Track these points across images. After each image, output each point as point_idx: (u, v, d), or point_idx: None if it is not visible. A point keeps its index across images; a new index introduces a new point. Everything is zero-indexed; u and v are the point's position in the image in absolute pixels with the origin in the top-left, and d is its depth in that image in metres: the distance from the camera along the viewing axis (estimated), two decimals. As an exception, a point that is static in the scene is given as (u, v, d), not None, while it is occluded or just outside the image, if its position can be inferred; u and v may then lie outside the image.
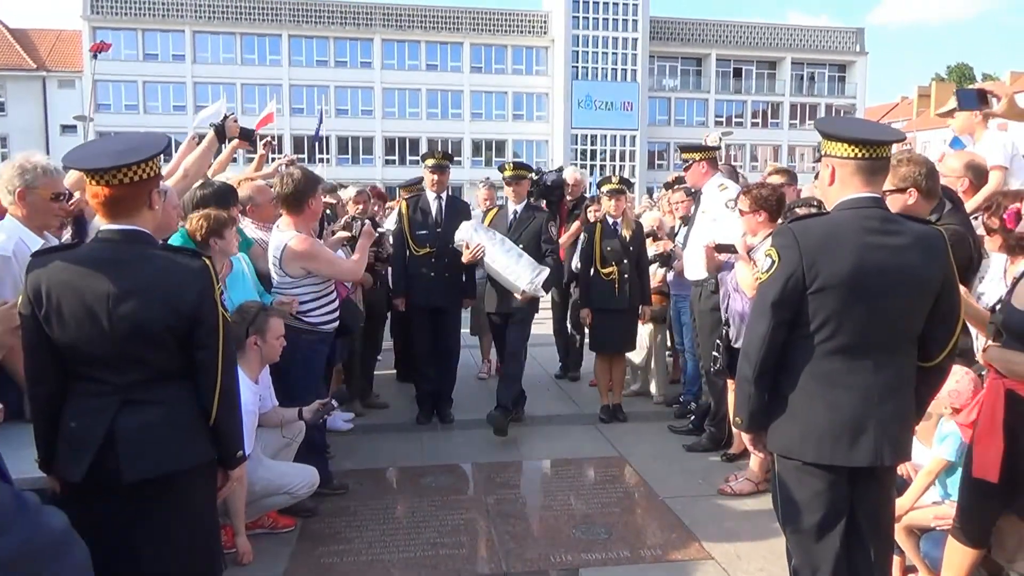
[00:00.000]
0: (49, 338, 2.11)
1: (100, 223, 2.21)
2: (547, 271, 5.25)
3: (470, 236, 5.29)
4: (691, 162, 5.17)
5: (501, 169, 5.90)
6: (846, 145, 2.38)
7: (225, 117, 4.38)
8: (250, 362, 3.55)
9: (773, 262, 2.41)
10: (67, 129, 38.17)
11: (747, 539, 3.76)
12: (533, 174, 5.67)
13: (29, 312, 2.12)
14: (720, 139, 6.59)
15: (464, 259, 5.32)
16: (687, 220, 5.58)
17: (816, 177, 5.61)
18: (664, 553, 3.61)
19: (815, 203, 4.00)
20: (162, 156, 2.25)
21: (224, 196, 4.01)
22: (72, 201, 3.47)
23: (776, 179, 5.21)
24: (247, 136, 4.49)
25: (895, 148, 2.63)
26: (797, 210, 4.09)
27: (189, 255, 2.26)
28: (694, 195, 5.65)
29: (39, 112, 41.56)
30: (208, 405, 2.19)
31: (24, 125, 38.89)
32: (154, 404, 2.14)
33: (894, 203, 3.01)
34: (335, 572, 3.44)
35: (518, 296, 5.27)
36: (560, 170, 7.07)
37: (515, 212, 5.63)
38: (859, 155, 2.36)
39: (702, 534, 3.79)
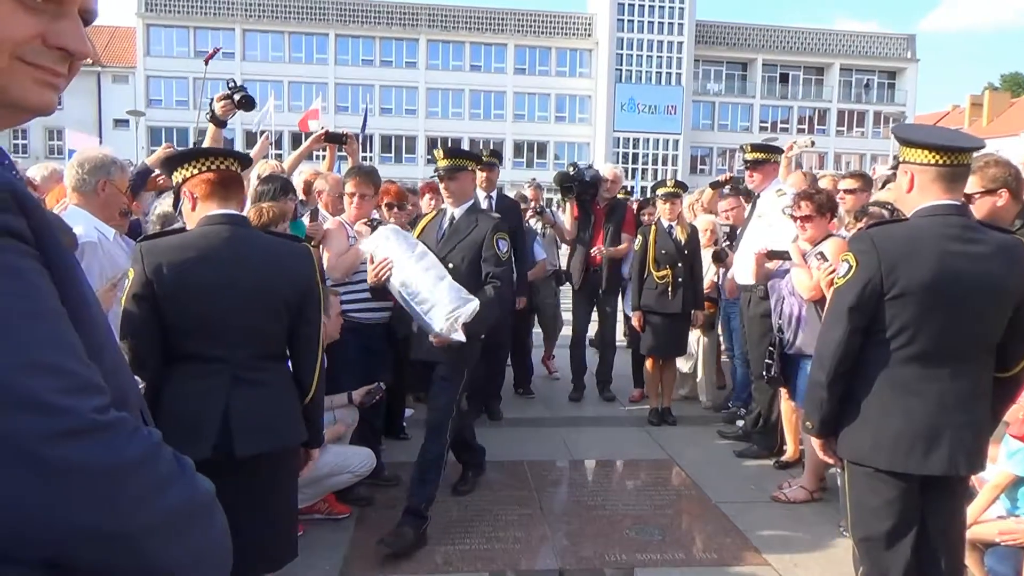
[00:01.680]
0: (159, 320, 2.21)
1: (203, 209, 2.35)
2: (475, 304, 3.50)
3: (376, 247, 3.71)
4: (765, 163, 5.11)
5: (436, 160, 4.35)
6: (927, 152, 2.36)
7: (212, 101, 4.09)
8: None
9: (850, 267, 2.41)
10: (119, 123, 39.19)
11: (804, 547, 3.73)
12: (475, 164, 4.08)
13: (147, 292, 2.21)
14: (811, 144, 6.22)
15: (368, 279, 3.78)
16: (733, 229, 5.53)
17: (883, 185, 5.50)
18: (720, 557, 3.60)
19: (888, 206, 3.94)
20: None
21: (282, 189, 4.14)
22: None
23: (849, 183, 5.12)
24: (247, 105, 4.11)
25: (975, 155, 2.60)
26: (870, 209, 4.04)
27: (291, 239, 2.45)
28: (745, 196, 5.59)
29: (93, 106, 42.73)
30: (308, 382, 2.33)
31: (79, 118, 39.94)
32: (261, 383, 2.27)
33: (983, 206, 2.98)
34: (394, 560, 3.50)
35: (431, 338, 3.64)
36: (590, 167, 6.63)
37: (452, 218, 4.00)
38: (940, 162, 2.35)
39: (757, 540, 3.77)
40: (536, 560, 3.56)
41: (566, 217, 6.37)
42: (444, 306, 3.50)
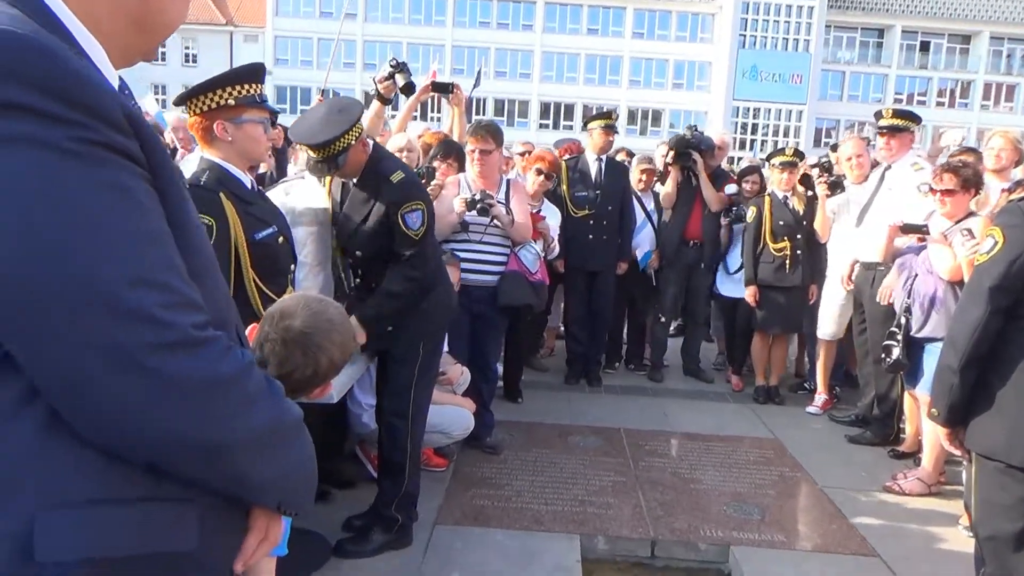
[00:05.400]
0: None
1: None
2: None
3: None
4: (903, 131, 4.73)
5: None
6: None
7: (375, 80, 4.10)
8: None
9: (996, 242, 2.19)
10: (249, 81, 41.05)
11: (917, 541, 3.51)
12: (354, 133, 2.85)
13: None
14: (961, 140, 5.53)
15: None
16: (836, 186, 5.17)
17: None
18: (823, 543, 3.44)
19: None
20: (225, 91, 2.35)
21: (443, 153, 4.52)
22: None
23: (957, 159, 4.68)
24: (408, 91, 4.14)
25: None
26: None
27: None
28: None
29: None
30: None
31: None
32: None
33: None
34: (486, 514, 3.55)
35: None
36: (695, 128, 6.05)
37: (346, 189, 3.13)
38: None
39: (865, 530, 3.57)
40: (628, 527, 3.50)
41: (668, 183, 5.96)
42: None
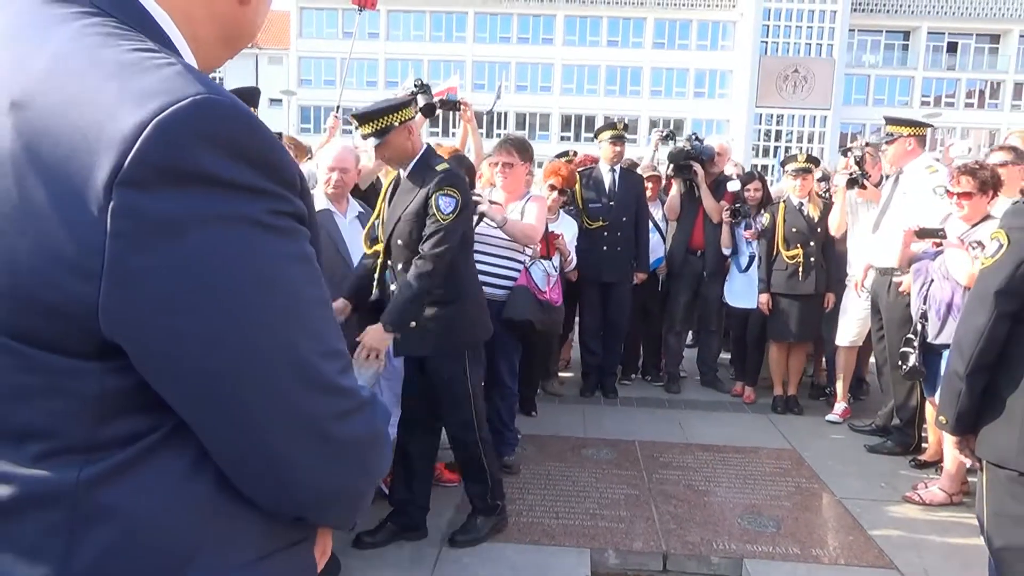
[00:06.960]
0: None
1: None
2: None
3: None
4: (896, 137, 4.69)
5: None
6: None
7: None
8: None
9: (1001, 245, 2.15)
10: (274, 102, 41.60)
11: (936, 552, 3.42)
12: (402, 113, 3.13)
13: None
14: (968, 153, 5.45)
15: None
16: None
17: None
18: (839, 555, 3.37)
19: None
20: None
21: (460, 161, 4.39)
22: None
23: (1000, 156, 4.57)
24: (428, 112, 4.17)
25: None
26: None
27: None
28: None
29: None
30: None
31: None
32: None
33: None
34: (496, 528, 3.52)
35: None
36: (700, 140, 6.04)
37: (398, 181, 3.29)
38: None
39: (883, 541, 3.49)
40: (640, 540, 3.46)
41: (672, 195, 5.95)
42: None
